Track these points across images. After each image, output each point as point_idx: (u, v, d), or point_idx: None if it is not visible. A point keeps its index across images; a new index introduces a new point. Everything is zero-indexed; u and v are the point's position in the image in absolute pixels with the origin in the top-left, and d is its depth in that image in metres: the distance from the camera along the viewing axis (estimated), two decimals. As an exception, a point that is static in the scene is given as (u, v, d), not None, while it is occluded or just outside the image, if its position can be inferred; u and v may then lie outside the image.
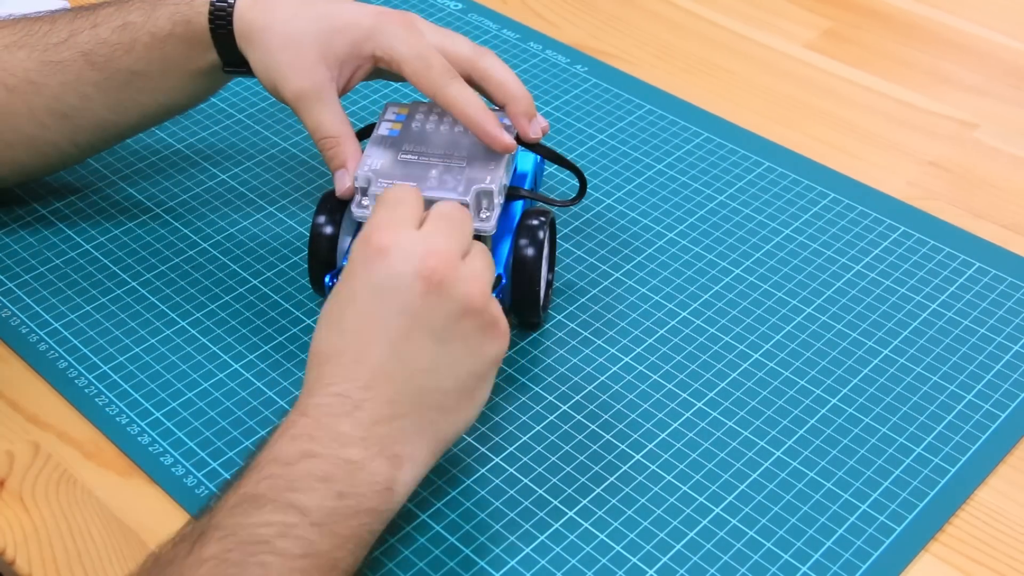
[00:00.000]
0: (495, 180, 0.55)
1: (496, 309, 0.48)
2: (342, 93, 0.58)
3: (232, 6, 0.58)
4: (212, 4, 0.58)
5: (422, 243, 0.47)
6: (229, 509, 0.43)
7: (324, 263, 0.58)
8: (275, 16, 0.58)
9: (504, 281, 0.57)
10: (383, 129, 0.58)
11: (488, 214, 0.55)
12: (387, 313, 0.46)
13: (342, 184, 0.57)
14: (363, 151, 0.58)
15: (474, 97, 0.56)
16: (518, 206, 0.59)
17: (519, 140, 0.58)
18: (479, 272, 0.48)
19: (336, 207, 0.58)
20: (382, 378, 0.46)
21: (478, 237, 0.56)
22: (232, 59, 0.59)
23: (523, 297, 0.57)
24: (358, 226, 0.59)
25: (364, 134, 0.60)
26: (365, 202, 0.56)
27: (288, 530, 0.42)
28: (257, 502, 0.43)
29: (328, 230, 0.58)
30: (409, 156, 0.57)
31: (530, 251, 0.56)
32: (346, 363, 0.46)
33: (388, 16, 0.58)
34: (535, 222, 0.57)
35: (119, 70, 0.60)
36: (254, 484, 0.43)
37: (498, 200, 0.55)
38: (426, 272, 0.46)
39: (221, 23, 0.58)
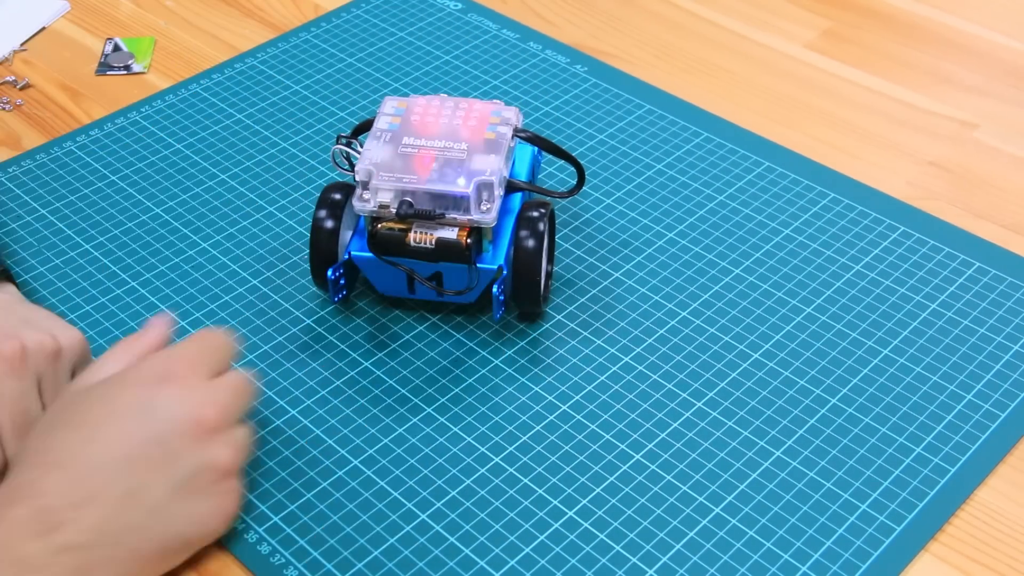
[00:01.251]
0: (495, 172, 0.56)
1: (237, 486, 0.48)
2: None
3: None
4: None
5: (211, 392, 0.48)
6: None
7: (325, 257, 0.58)
8: None
9: (505, 273, 0.57)
10: (382, 123, 0.59)
11: (488, 206, 0.55)
12: (143, 439, 0.45)
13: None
14: (363, 145, 0.58)
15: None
16: (517, 198, 0.60)
17: (517, 133, 0.59)
18: (242, 441, 0.49)
19: (337, 202, 0.59)
20: (98, 501, 0.44)
21: (477, 229, 0.56)
22: None
23: (524, 288, 0.58)
24: (358, 220, 0.59)
25: (364, 128, 0.61)
26: (366, 195, 0.56)
27: None
28: None
29: (329, 224, 0.58)
30: (409, 149, 0.57)
31: (531, 242, 0.57)
32: (58, 474, 0.44)
33: None
34: (535, 213, 0.58)
35: None
36: None
37: (498, 192, 0.55)
38: (201, 419, 0.47)
39: None
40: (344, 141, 0.58)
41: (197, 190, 0.70)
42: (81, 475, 0.44)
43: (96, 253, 0.65)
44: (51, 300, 0.62)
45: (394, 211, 0.55)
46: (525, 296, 0.58)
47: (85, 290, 0.63)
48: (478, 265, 0.57)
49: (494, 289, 0.56)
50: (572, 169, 0.69)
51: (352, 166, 0.58)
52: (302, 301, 0.63)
